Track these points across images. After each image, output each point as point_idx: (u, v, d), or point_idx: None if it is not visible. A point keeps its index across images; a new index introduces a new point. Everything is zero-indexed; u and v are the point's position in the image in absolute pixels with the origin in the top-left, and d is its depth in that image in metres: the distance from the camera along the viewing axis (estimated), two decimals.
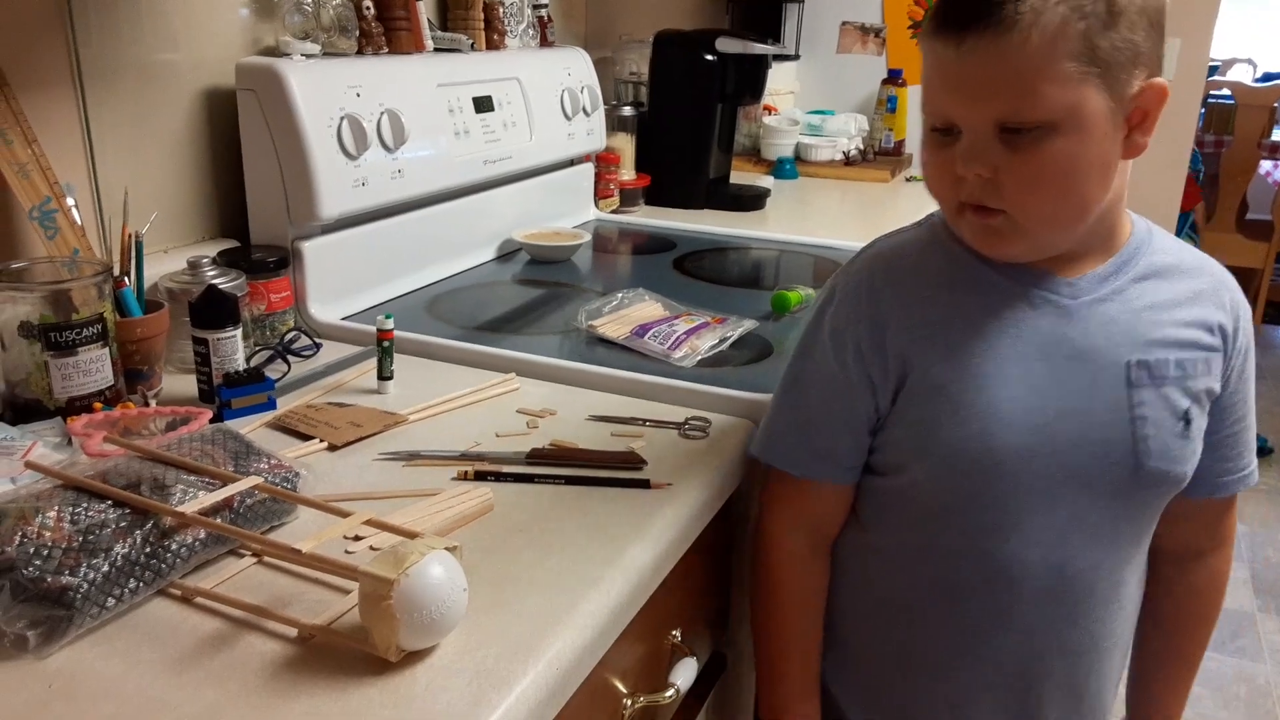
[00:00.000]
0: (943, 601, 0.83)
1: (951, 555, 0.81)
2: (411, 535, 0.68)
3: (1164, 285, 0.80)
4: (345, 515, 0.71)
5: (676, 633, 0.88)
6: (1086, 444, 0.77)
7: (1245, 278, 3.48)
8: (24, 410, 0.89)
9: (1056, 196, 0.72)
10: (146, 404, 0.97)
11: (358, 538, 0.74)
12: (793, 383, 0.86)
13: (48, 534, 0.63)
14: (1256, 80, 4.85)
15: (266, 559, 0.72)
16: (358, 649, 0.62)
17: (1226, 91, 4.31)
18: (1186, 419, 0.78)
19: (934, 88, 0.73)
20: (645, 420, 0.96)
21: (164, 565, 0.67)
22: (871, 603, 0.89)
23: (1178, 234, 2.66)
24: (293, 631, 0.64)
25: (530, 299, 1.38)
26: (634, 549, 0.75)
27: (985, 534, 0.79)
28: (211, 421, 0.89)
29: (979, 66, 0.69)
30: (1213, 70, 4.51)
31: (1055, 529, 0.79)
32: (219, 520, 0.70)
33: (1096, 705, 0.88)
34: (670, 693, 0.81)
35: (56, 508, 0.65)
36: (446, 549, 0.63)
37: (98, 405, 0.90)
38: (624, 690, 0.77)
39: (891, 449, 0.82)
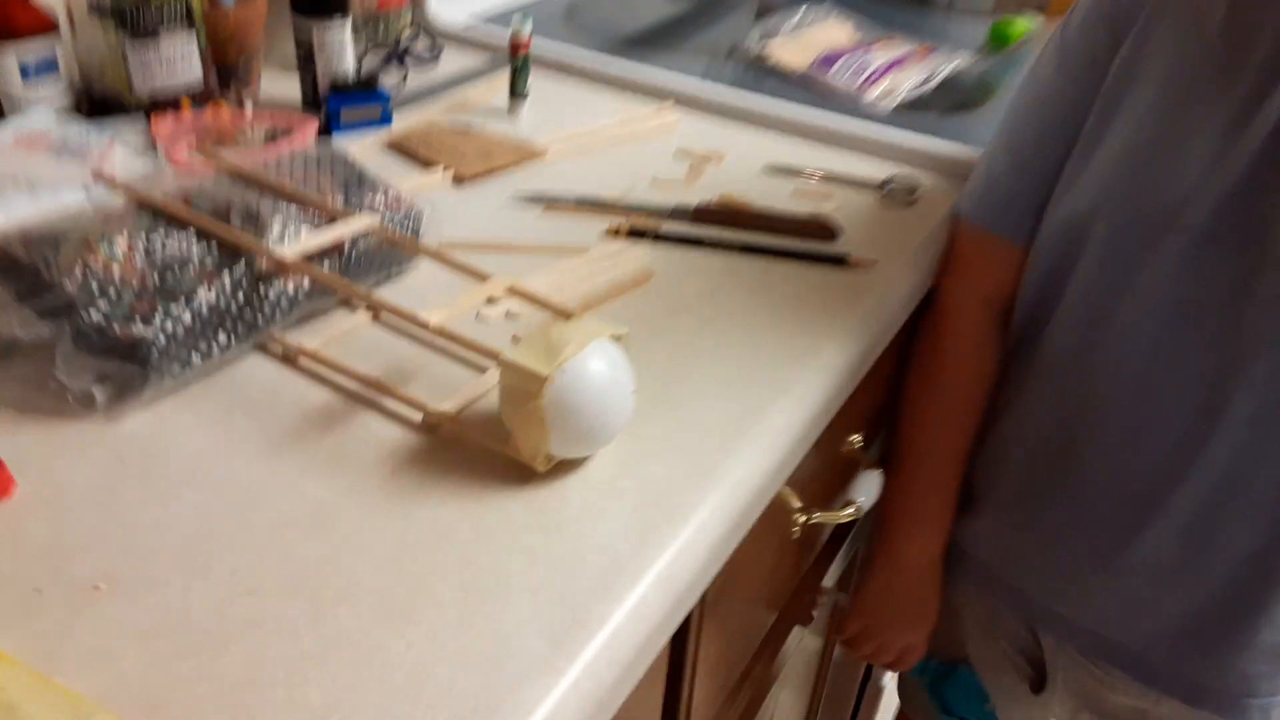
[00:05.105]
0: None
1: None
2: (565, 315, 0.54)
3: None
4: (481, 278, 0.57)
5: (857, 438, 0.74)
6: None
7: None
8: (101, 105, 0.75)
9: None
10: (241, 107, 0.81)
11: (490, 299, 0.60)
12: (1007, 116, 0.71)
13: (115, 269, 0.50)
14: None
15: (383, 316, 0.59)
16: (496, 450, 0.49)
17: None
18: None
19: None
20: (835, 176, 0.78)
21: (260, 316, 0.54)
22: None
23: None
24: (416, 415, 0.51)
25: (690, 8, 1.15)
26: (831, 345, 0.59)
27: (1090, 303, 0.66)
28: (318, 134, 0.74)
29: None
30: None
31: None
32: (325, 269, 0.57)
33: None
34: (850, 510, 0.68)
35: (128, 235, 0.52)
36: (612, 337, 0.48)
37: (185, 103, 0.75)
38: (797, 505, 0.64)
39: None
